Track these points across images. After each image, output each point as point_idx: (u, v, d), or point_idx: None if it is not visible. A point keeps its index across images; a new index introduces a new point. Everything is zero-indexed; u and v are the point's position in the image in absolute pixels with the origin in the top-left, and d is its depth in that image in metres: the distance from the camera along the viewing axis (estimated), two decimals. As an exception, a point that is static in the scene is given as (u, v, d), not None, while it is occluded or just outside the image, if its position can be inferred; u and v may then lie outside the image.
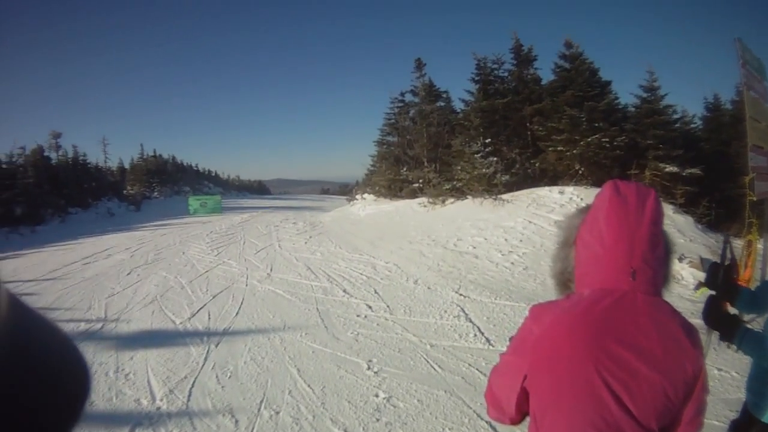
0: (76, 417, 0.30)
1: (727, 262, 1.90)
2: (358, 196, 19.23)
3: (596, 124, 10.94)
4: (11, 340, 0.28)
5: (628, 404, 0.84)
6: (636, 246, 0.87)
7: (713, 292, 1.82)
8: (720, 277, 1.85)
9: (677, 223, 8.33)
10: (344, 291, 6.27)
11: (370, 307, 5.51)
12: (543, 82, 13.36)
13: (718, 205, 9.91)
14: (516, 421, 1.00)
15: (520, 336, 0.96)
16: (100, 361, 4.41)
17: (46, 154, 26.62)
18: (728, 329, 1.67)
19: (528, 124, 12.83)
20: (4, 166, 22.37)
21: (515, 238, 8.31)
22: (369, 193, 18.42)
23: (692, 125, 13.27)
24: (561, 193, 9.79)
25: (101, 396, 3.72)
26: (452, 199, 12.63)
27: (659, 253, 0.89)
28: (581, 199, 9.22)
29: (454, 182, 12.83)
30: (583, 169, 10.90)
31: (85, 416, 0.31)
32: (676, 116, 12.01)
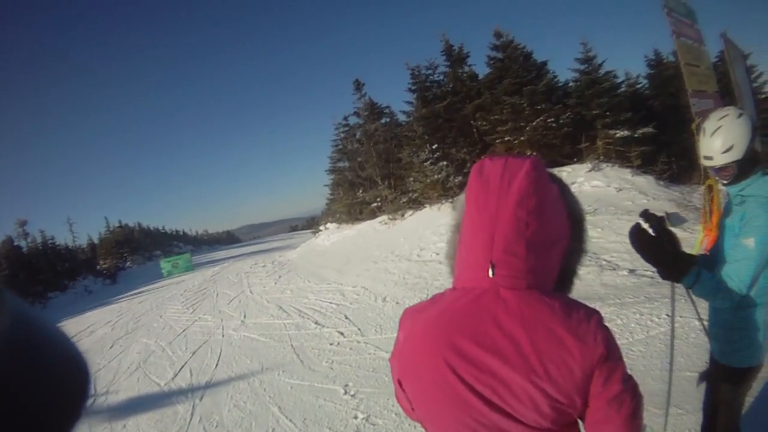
0: (75, 417, 0.31)
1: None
2: (321, 227, 18.95)
3: (539, 107, 10.75)
4: (12, 341, 0.28)
5: (505, 408, 0.73)
6: (497, 235, 0.74)
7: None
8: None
9: (638, 185, 8.25)
10: (316, 323, 6.40)
11: (342, 334, 5.64)
12: (480, 77, 13.06)
13: (679, 158, 9.72)
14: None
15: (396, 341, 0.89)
16: (96, 435, 4.60)
17: (16, 243, 26.97)
18: (678, 268, 1.52)
19: (472, 122, 12.54)
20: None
21: (477, 237, 8.41)
22: (331, 222, 18.15)
23: (638, 85, 13.15)
24: (516, 182, 9.51)
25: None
26: (411, 211, 12.56)
27: (534, 238, 0.74)
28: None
29: (410, 194, 12.82)
30: (534, 153, 10.52)
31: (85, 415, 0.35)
32: (619, 80, 11.92)
